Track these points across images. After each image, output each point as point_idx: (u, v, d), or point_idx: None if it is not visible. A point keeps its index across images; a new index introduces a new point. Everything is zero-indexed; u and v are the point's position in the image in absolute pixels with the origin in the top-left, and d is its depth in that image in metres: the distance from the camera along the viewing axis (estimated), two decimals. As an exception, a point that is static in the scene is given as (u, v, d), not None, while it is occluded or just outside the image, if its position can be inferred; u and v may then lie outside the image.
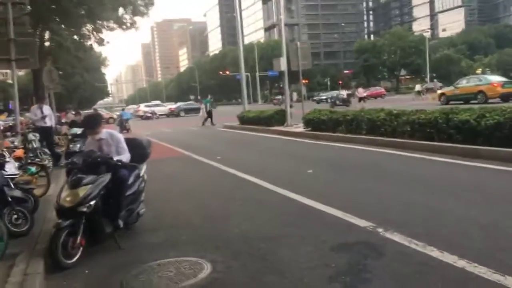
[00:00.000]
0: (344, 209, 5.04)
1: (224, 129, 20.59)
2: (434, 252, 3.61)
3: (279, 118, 16.82)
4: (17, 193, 4.92)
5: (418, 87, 42.14)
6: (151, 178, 5.91)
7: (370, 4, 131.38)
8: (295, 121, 16.24)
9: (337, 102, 30.97)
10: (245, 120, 19.27)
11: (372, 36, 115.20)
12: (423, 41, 63.92)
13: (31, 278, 3.45)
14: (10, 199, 4.65)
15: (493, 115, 7.59)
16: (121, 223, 4.44)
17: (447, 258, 3.47)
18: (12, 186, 5.01)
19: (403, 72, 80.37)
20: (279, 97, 47.02)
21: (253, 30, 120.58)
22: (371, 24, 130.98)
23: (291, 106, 19.78)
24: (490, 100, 21.59)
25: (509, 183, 6.00)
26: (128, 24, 27.65)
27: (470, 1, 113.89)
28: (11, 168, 5.39)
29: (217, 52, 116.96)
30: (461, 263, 3.36)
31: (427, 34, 75.38)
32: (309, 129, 13.77)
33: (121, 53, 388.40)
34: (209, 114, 24.38)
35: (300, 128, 14.69)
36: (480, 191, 5.62)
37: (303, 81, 56.08)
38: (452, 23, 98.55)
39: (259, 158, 10.60)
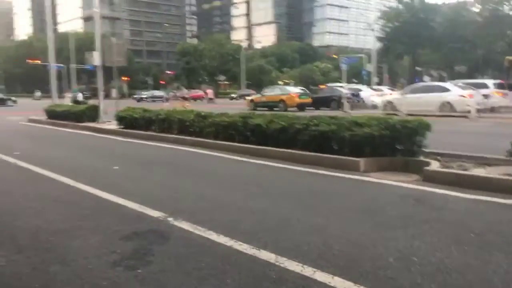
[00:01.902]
0: (141, 202, 5.33)
1: (28, 123, 18.80)
2: (212, 236, 4.18)
3: (91, 114, 16.22)
4: None
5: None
6: None
7: (194, 8, 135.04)
8: (109, 118, 15.88)
9: (79, 99, 32.85)
10: (53, 115, 17.95)
11: (195, 39, 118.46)
12: (240, 50, 68.73)
13: None
14: None
15: (279, 121, 8.87)
16: None
17: (220, 240, 4.07)
18: None
19: (222, 77, 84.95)
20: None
21: (70, 18, 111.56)
22: (194, 28, 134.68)
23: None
24: (289, 109, 24.67)
25: (285, 179, 7.13)
26: None
27: (280, 18, 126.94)
28: None
29: (26, 37, 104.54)
30: (230, 242, 3.99)
31: (244, 44, 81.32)
32: (122, 126, 13.68)
33: None
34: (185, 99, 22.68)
35: (113, 125, 14.45)
36: (261, 185, 6.59)
37: (124, 78, 54.28)
38: (266, 37, 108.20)
39: (64, 154, 10.12)
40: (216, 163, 8.53)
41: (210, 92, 43.59)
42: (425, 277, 3.22)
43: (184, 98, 27.20)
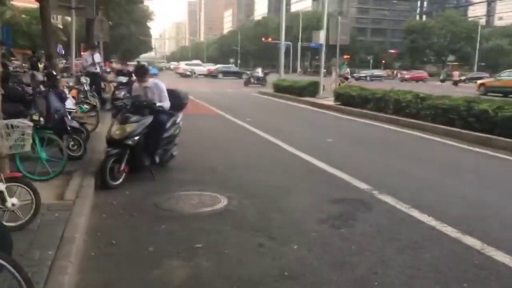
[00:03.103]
0: (351, 173, 5.69)
1: (258, 94, 21.27)
2: (415, 213, 4.26)
3: (312, 89, 17.34)
4: (74, 124, 5.83)
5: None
6: (187, 129, 6.73)
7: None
8: (327, 94, 16.74)
9: (252, 80, 28.93)
10: (279, 88, 19.85)
11: (424, 16, 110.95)
12: (476, 28, 61.48)
13: (85, 189, 4.34)
14: (69, 128, 5.55)
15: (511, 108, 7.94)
16: (157, 159, 5.30)
17: (423, 218, 4.12)
18: (70, 118, 5.93)
19: (450, 57, 77.74)
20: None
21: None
22: (425, 3, 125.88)
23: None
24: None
25: (508, 171, 6.47)
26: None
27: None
28: (69, 103, 6.32)
29: (261, 17, 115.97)
30: (433, 223, 4.00)
31: (482, 21, 72.25)
32: (339, 103, 14.26)
33: (166, 9, 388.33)
34: (345, 78, 24.15)
35: (330, 101, 15.18)
36: (478, 174, 6.15)
37: (346, 56, 55.04)
38: (511, 12, 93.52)
39: (286, 123, 11.27)
40: (429, 146, 8.24)
41: (456, 74, 40.63)
42: None
43: (345, 78, 25.51)
